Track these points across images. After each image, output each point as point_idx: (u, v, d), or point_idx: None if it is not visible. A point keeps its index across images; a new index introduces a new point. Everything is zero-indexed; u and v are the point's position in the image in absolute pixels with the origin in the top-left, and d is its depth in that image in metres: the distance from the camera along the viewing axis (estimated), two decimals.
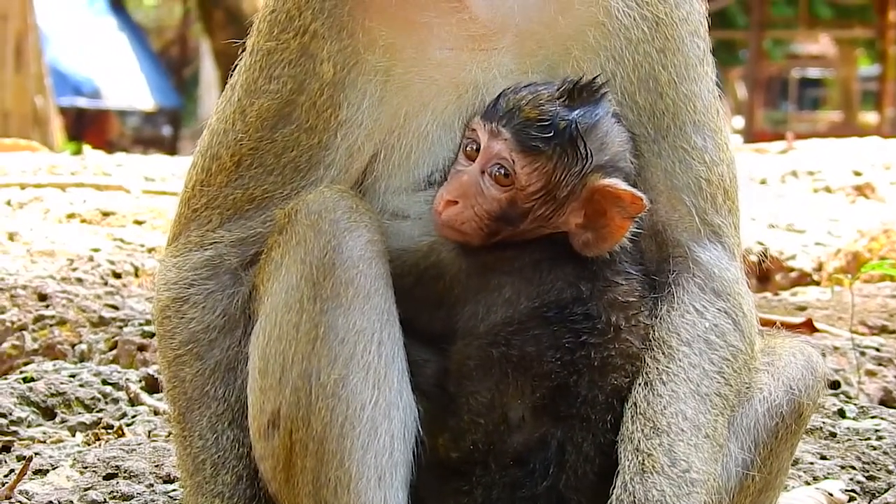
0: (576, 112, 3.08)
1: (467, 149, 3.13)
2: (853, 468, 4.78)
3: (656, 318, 3.17)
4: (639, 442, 3.05)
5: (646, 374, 3.11)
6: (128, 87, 37.25)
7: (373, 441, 2.98)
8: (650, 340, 3.15)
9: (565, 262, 3.11)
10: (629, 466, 3.04)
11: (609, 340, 3.10)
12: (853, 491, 4.63)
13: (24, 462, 4.54)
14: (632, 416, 3.09)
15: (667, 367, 3.11)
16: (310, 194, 3.10)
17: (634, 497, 3.01)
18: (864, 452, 4.87)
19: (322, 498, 2.99)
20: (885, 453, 4.87)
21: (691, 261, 3.22)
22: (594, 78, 3.13)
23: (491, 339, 3.07)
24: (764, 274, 7.56)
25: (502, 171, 3.08)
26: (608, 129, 3.12)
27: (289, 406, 3.00)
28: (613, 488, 3.04)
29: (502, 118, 3.08)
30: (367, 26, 3.18)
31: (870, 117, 38.25)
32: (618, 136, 3.14)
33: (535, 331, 3.07)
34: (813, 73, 50.79)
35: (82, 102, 36.26)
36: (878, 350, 6.06)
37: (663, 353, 3.13)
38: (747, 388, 3.23)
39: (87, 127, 35.42)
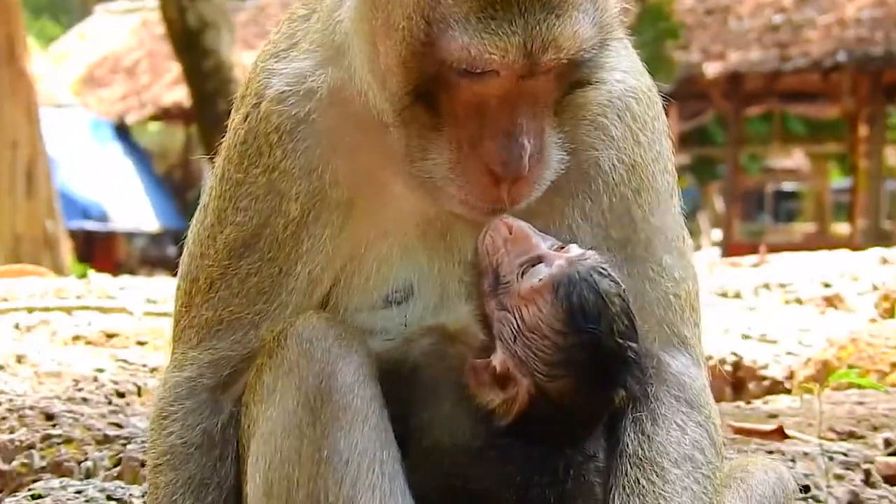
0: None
1: None
2: None
3: (641, 434, 3.20)
4: None
5: (641, 495, 3.14)
6: (134, 210, 37.45)
7: None
8: (639, 459, 3.17)
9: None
10: None
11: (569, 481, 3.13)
12: None
13: None
14: None
15: (662, 490, 3.14)
16: (297, 320, 3.14)
17: None
18: None
19: None
20: None
21: (664, 371, 3.28)
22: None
23: (449, 469, 3.10)
24: (738, 383, 7.84)
25: None
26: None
27: None
28: None
29: None
30: (335, 166, 3.21)
31: (842, 228, 38.36)
32: None
33: (487, 468, 3.08)
34: (788, 186, 51.08)
35: (91, 226, 36.40)
36: (845, 455, 6.05)
37: (657, 475, 3.15)
38: None
39: (96, 249, 35.53)
